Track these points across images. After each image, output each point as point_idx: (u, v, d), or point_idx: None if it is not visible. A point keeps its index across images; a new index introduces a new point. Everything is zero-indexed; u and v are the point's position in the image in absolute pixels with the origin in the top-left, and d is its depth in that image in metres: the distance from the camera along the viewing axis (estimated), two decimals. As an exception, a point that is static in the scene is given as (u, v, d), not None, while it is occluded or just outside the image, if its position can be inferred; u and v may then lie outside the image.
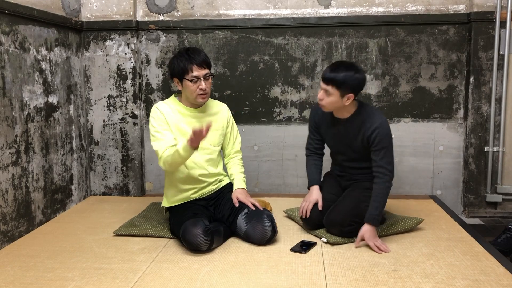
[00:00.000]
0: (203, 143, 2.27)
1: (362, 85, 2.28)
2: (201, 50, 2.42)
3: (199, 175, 2.43)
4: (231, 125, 2.58)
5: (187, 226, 2.19)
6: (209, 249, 2.21)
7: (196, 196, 2.47)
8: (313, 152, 2.59)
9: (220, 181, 2.55)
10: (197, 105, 2.43)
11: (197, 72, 2.31)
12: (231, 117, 2.59)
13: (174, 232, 2.38)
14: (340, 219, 2.29)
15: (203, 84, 2.33)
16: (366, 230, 2.25)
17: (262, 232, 2.27)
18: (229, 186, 2.55)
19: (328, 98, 2.25)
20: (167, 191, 2.51)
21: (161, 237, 2.42)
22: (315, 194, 2.48)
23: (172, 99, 2.47)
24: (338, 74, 2.21)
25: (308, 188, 2.55)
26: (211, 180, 2.49)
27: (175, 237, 2.39)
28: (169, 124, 2.37)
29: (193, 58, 2.31)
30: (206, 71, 2.34)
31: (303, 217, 2.45)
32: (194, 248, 2.18)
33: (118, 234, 2.47)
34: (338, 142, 2.45)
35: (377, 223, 2.27)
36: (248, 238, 2.31)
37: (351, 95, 2.25)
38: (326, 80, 2.24)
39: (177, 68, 2.33)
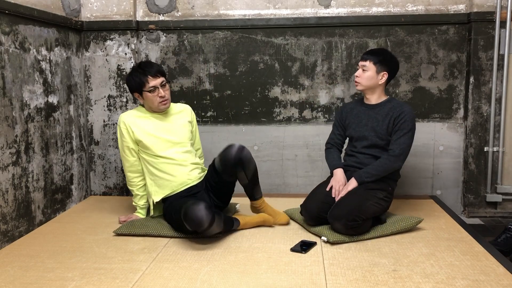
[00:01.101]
0: (176, 139, 2.59)
1: (396, 67, 2.58)
2: (153, 62, 2.61)
3: (180, 165, 2.57)
4: (195, 125, 2.78)
5: (188, 206, 2.22)
6: (210, 227, 2.19)
7: (184, 184, 2.56)
8: (334, 145, 2.74)
9: (203, 170, 2.70)
10: (161, 110, 2.61)
11: (153, 82, 2.49)
12: (194, 117, 2.81)
13: (171, 220, 2.44)
14: (346, 212, 2.30)
15: (161, 92, 2.51)
16: (350, 180, 2.50)
17: (233, 148, 2.45)
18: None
19: (365, 73, 2.52)
20: (152, 189, 2.59)
21: (161, 236, 2.42)
22: (343, 176, 2.56)
23: (139, 107, 2.66)
24: (376, 51, 2.55)
25: (332, 171, 2.63)
26: (193, 167, 2.62)
27: (175, 231, 2.42)
28: (134, 133, 2.54)
29: (146, 71, 2.49)
30: (162, 79, 2.52)
31: (334, 196, 2.49)
32: (196, 224, 2.17)
33: (118, 233, 2.46)
34: (364, 126, 2.58)
35: (360, 181, 2.47)
36: (225, 160, 2.46)
37: (386, 74, 2.52)
38: (365, 57, 2.53)
39: (134, 83, 2.51)
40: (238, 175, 2.50)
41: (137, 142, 2.57)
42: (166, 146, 2.56)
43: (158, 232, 2.44)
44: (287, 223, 2.62)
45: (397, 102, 2.57)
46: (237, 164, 2.44)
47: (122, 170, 3.31)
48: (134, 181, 2.65)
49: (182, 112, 2.71)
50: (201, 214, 2.17)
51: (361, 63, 2.54)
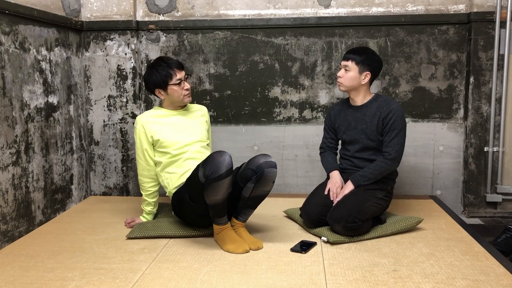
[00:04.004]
0: (195, 137, 2.53)
1: (379, 66, 2.52)
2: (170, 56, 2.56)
3: (200, 159, 2.46)
4: (209, 126, 2.74)
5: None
6: (226, 177, 2.10)
7: None
8: (327, 149, 2.72)
9: None
10: (180, 107, 2.59)
11: (179, 74, 2.48)
12: (209, 118, 2.76)
13: (181, 200, 2.38)
14: (345, 214, 2.30)
15: (187, 84, 2.50)
16: (346, 183, 2.49)
17: (266, 157, 2.28)
18: None
19: (347, 74, 2.47)
20: (170, 182, 2.50)
21: (176, 237, 2.40)
22: (339, 178, 2.56)
23: (156, 108, 2.62)
24: (358, 51, 2.49)
25: (328, 174, 2.63)
26: None
27: (183, 226, 2.43)
28: (152, 133, 2.48)
29: (170, 63, 2.47)
30: (184, 72, 2.52)
31: (332, 199, 2.48)
32: (214, 165, 2.10)
33: (130, 237, 2.41)
34: (353, 129, 2.55)
35: (356, 184, 2.45)
36: (251, 162, 2.30)
37: (368, 73, 2.47)
38: (347, 57, 2.48)
39: (160, 77, 2.46)
40: (247, 184, 2.31)
41: (154, 143, 2.50)
42: (187, 143, 2.49)
43: (173, 233, 2.40)
44: (257, 249, 2.27)
45: (383, 99, 2.52)
46: (255, 171, 2.26)
47: (122, 170, 3.31)
48: (145, 185, 2.57)
49: (200, 111, 2.68)
50: (223, 158, 2.12)
51: (343, 62, 2.49)
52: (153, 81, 2.48)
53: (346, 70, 2.47)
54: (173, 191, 2.49)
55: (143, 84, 2.54)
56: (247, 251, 2.21)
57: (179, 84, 2.46)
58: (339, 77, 2.50)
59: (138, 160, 2.56)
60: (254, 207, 2.38)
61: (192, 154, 2.49)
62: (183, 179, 2.45)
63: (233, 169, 2.24)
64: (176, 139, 2.49)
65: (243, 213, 2.36)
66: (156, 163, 2.55)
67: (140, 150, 2.53)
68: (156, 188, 2.60)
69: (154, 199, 2.61)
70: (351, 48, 2.56)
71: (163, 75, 2.45)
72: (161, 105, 2.62)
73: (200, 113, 2.67)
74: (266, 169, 2.24)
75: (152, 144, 2.52)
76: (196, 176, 2.23)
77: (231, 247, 2.22)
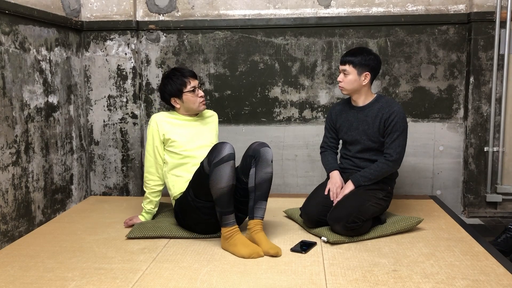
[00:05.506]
0: (205, 142, 2.58)
1: (378, 64, 2.50)
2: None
3: None
4: (217, 131, 2.77)
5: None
6: (228, 161, 2.18)
7: None
8: (328, 149, 2.72)
9: None
10: (195, 114, 2.63)
11: (193, 82, 2.54)
12: (217, 123, 2.80)
13: (185, 202, 2.40)
14: (346, 214, 2.29)
15: (201, 92, 2.57)
16: (347, 183, 2.49)
17: (257, 142, 2.42)
18: None
19: (347, 78, 2.46)
20: (176, 185, 2.50)
21: (176, 237, 2.40)
22: (339, 179, 2.56)
23: (172, 111, 2.66)
24: (354, 53, 2.47)
25: (328, 174, 2.63)
26: None
27: (184, 230, 2.43)
28: (164, 131, 2.53)
29: (184, 72, 2.55)
30: (197, 81, 2.59)
31: (332, 199, 2.48)
32: (217, 150, 2.22)
33: (130, 237, 2.41)
34: (355, 129, 2.55)
35: (357, 184, 2.45)
36: (246, 151, 2.41)
37: (368, 74, 2.45)
38: (344, 61, 2.47)
39: (175, 86, 2.53)
40: (249, 173, 2.34)
41: (165, 142, 2.53)
42: (196, 148, 2.53)
43: (173, 234, 2.41)
44: (276, 255, 2.18)
45: (385, 100, 2.51)
46: (252, 156, 2.35)
47: (122, 170, 3.31)
48: (149, 183, 2.57)
49: (211, 117, 2.74)
50: (225, 144, 2.23)
51: (341, 67, 2.48)
52: (168, 91, 2.54)
53: (345, 74, 2.47)
54: (177, 196, 2.48)
55: (159, 95, 2.60)
56: (261, 256, 2.18)
57: (193, 91, 2.52)
58: (340, 81, 2.50)
59: (147, 156, 2.58)
60: (265, 198, 2.35)
61: (201, 160, 2.46)
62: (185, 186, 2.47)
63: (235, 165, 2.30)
64: (186, 142, 2.53)
65: (257, 208, 2.33)
66: (164, 162, 2.56)
67: (150, 147, 2.55)
68: (160, 188, 2.60)
69: (156, 198, 2.61)
70: (346, 51, 2.53)
71: (178, 84, 2.51)
72: (175, 110, 2.64)
73: (210, 119, 2.72)
74: (261, 149, 2.36)
75: (163, 143, 2.55)
76: (201, 169, 2.30)
77: (245, 252, 2.17)
